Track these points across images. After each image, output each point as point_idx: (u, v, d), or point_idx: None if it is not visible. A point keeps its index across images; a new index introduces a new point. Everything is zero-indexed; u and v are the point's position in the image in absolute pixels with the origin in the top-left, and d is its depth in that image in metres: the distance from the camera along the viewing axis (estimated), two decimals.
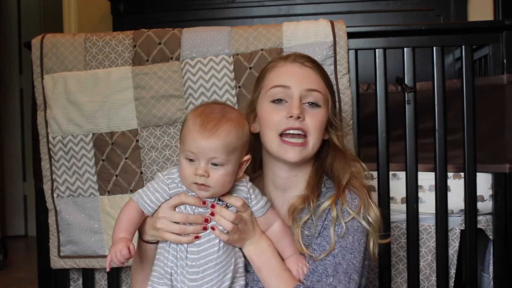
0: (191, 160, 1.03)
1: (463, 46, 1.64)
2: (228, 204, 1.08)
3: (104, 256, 1.69)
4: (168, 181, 1.08)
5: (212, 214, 1.07)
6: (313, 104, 1.15)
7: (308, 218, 1.15)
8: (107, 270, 1.06)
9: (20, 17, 4.19)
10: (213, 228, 1.06)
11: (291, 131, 1.13)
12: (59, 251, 1.71)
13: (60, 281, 1.77)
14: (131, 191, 1.67)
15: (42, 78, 1.70)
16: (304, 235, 1.15)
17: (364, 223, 1.13)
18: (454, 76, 2.35)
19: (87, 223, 1.69)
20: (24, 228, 4.16)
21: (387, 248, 1.66)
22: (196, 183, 1.02)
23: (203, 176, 1.01)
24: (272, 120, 1.15)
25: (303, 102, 1.15)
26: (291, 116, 1.12)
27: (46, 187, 1.72)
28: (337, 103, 1.56)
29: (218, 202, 1.08)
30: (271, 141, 1.16)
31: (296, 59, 1.18)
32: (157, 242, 1.12)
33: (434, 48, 1.64)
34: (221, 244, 1.07)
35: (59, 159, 1.70)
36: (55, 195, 1.71)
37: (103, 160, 1.68)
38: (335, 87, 1.56)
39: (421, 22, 2.54)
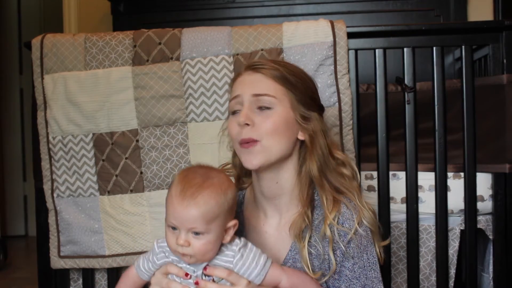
0: (173, 228, 1.01)
1: (463, 46, 1.64)
2: (215, 279, 1.04)
3: (104, 256, 1.69)
4: (158, 250, 1.10)
5: (197, 283, 1.04)
6: (263, 108, 1.11)
7: (310, 238, 1.13)
8: None
9: (20, 17, 4.18)
10: None
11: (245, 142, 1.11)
12: (59, 251, 1.71)
13: (60, 281, 1.77)
14: (131, 191, 1.67)
15: (42, 78, 1.70)
16: (311, 256, 1.13)
17: (364, 233, 1.12)
18: (454, 76, 2.35)
19: (87, 223, 1.69)
20: (24, 228, 4.16)
21: (387, 248, 1.66)
22: (179, 252, 1.01)
23: (183, 246, 0.99)
24: (232, 133, 1.14)
25: (255, 108, 1.12)
26: (240, 125, 1.11)
27: (46, 187, 1.72)
28: (337, 103, 1.57)
29: (204, 277, 1.04)
30: (238, 153, 1.15)
31: (249, 66, 1.16)
32: None
33: (434, 48, 1.64)
34: None
35: (59, 159, 1.70)
36: (55, 195, 1.71)
37: (103, 160, 1.69)
38: (335, 87, 1.56)
39: (421, 22, 2.54)
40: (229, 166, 1.31)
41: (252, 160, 1.10)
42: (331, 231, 1.11)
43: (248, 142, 1.10)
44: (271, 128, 1.10)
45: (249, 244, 1.06)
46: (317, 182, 1.16)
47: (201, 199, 0.98)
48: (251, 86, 1.12)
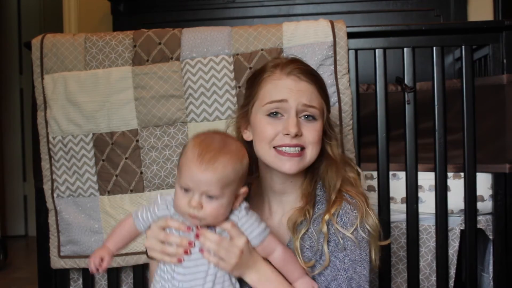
0: (186, 190, 1.02)
1: (463, 46, 1.64)
2: (217, 230, 1.06)
3: None
4: (161, 202, 1.10)
5: (197, 236, 1.05)
6: (310, 117, 1.14)
7: (306, 230, 1.15)
8: (90, 272, 1.10)
9: (20, 17, 4.18)
10: (202, 251, 1.05)
11: (287, 148, 1.13)
12: (59, 251, 1.71)
13: (60, 281, 1.77)
14: (131, 191, 1.67)
15: (42, 78, 1.70)
16: (304, 248, 1.15)
17: (363, 234, 1.13)
18: (454, 76, 2.35)
19: (87, 223, 1.69)
20: (24, 228, 4.15)
21: (387, 248, 1.67)
22: (189, 214, 1.02)
23: (196, 208, 1.01)
24: (268, 135, 1.13)
25: (299, 116, 1.13)
26: (287, 134, 1.11)
27: (46, 187, 1.72)
28: (337, 103, 1.56)
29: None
30: (265, 153, 1.15)
31: (292, 72, 1.14)
32: None
33: (434, 48, 1.64)
34: (210, 271, 1.05)
35: (59, 159, 1.70)
36: (55, 195, 1.71)
37: (103, 160, 1.68)
38: (335, 87, 1.56)
39: (421, 22, 2.54)
40: None
41: (291, 166, 1.12)
42: (328, 226, 1.12)
43: (293, 148, 1.12)
44: (315, 139, 1.14)
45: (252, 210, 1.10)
46: (325, 184, 1.19)
47: (219, 164, 1.00)
48: (300, 95, 1.12)
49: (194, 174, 1.00)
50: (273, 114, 1.13)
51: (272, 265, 1.10)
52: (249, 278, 1.09)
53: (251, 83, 1.21)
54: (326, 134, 1.19)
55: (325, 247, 1.12)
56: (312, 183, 1.19)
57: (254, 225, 1.07)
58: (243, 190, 1.06)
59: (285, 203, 1.21)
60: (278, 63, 1.17)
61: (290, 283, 1.10)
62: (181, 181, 1.02)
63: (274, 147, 1.13)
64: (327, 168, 1.19)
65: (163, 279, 1.07)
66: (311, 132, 1.13)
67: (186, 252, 1.05)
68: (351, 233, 1.11)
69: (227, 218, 1.06)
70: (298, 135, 1.11)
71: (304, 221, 1.15)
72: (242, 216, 1.07)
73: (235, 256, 1.05)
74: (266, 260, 1.10)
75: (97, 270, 1.08)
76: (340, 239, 1.11)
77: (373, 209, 1.17)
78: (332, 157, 1.19)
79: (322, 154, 1.20)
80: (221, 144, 1.03)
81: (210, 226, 1.06)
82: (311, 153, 1.14)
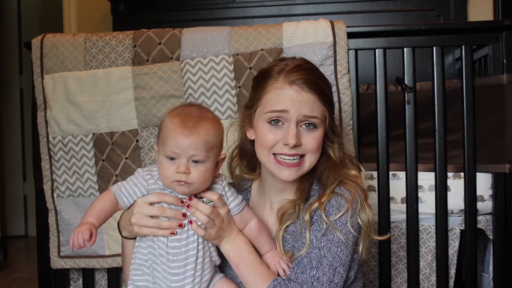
0: (172, 158, 1.05)
1: (463, 46, 1.64)
2: (204, 200, 1.11)
3: (104, 256, 1.69)
4: (147, 177, 1.11)
5: (188, 206, 1.09)
6: (311, 125, 1.15)
7: (292, 223, 1.17)
8: (71, 249, 1.06)
9: (20, 17, 4.18)
10: (190, 222, 1.09)
11: (286, 157, 1.15)
12: (59, 251, 1.71)
13: (60, 281, 1.77)
14: None
15: (42, 78, 1.70)
16: (286, 238, 1.18)
17: (349, 223, 1.13)
18: (454, 76, 2.35)
19: None
20: (24, 228, 4.15)
21: (387, 248, 1.67)
22: (178, 181, 1.05)
23: (184, 173, 1.04)
24: (268, 142, 1.15)
25: (300, 125, 1.15)
26: (286, 144, 1.13)
27: (46, 187, 1.72)
28: (337, 103, 1.56)
29: (195, 197, 1.11)
30: (265, 158, 1.17)
31: (295, 82, 1.14)
32: (135, 238, 1.15)
33: (434, 48, 1.64)
34: (200, 240, 1.10)
35: (59, 159, 1.70)
36: (55, 195, 1.71)
37: (103, 160, 1.69)
38: (335, 87, 1.56)
39: (421, 22, 2.54)
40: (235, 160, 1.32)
41: (289, 175, 1.16)
42: (313, 214, 1.15)
43: (291, 158, 1.14)
44: (314, 147, 1.16)
45: None
46: (322, 182, 1.20)
47: (202, 128, 1.05)
48: (301, 106, 1.13)
49: (180, 140, 1.04)
50: (274, 122, 1.15)
51: (245, 236, 1.16)
52: (224, 247, 1.14)
53: (256, 84, 1.22)
54: (328, 137, 1.20)
55: (307, 235, 1.13)
56: (308, 182, 1.21)
57: (234, 196, 1.15)
58: (223, 155, 1.12)
59: (285, 198, 1.22)
60: (283, 69, 1.16)
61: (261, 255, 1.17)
62: (166, 150, 1.05)
63: (273, 154, 1.15)
64: (326, 169, 1.20)
65: (153, 255, 1.09)
66: (311, 141, 1.15)
67: (181, 226, 1.08)
68: (335, 219, 1.13)
69: (210, 188, 1.12)
70: (297, 145, 1.13)
71: (293, 214, 1.17)
72: (227, 190, 1.14)
73: (219, 226, 1.11)
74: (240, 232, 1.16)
75: (83, 244, 1.03)
76: (324, 223, 1.13)
77: (371, 206, 1.18)
78: (333, 159, 1.20)
79: (323, 155, 1.21)
80: (199, 112, 1.09)
81: (198, 196, 1.10)
82: (310, 160, 1.16)
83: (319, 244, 1.12)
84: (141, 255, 1.11)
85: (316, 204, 1.14)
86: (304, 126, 1.15)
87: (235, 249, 1.14)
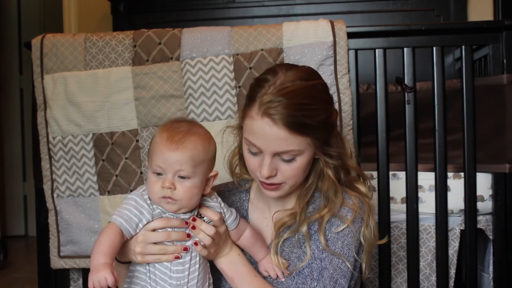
0: (158, 174, 1.03)
1: (463, 46, 1.64)
2: (205, 219, 1.09)
3: None
4: (148, 202, 1.05)
5: (193, 227, 1.06)
6: (288, 159, 1.08)
7: (290, 236, 1.16)
8: None
9: (20, 17, 4.18)
10: (196, 244, 1.06)
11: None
12: (59, 251, 1.71)
13: (60, 281, 1.77)
14: (131, 191, 1.66)
15: (42, 78, 1.70)
16: (283, 249, 1.17)
17: (351, 235, 1.12)
18: (454, 76, 2.35)
19: (87, 223, 1.69)
20: (24, 228, 4.16)
21: (387, 248, 1.67)
22: (164, 197, 1.02)
23: (169, 188, 1.01)
24: (251, 166, 1.12)
25: (279, 158, 1.08)
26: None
27: (46, 187, 1.72)
28: (337, 103, 1.56)
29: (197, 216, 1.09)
30: (253, 175, 1.16)
31: (268, 112, 1.03)
32: (129, 262, 1.10)
33: (434, 48, 1.64)
34: (201, 260, 1.08)
35: (59, 159, 1.70)
36: (55, 195, 1.71)
37: (103, 160, 1.69)
38: (335, 87, 1.56)
39: (421, 22, 2.54)
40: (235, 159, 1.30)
41: (274, 195, 1.14)
42: (316, 225, 1.14)
43: (272, 185, 1.11)
44: (292, 175, 1.10)
45: None
46: (324, 198, 1.16)
47: (189, 143, 1.02)
48: (272, 142, 1.05)
49: (165, 155, 1.01)
50: (253, 153, 1.10)
51: (238, 247, 1.16)
52: (218, 261, 1.14)
53: (246, 97, 1.14)
54: (325, 153, 1.12)
55: (308, 246, 1.12)
56: (308, 194, 1.17)
57: (230, 211, 1.13)
58: (214, 173, 1.09)
59: (284, 205, 1.21)
60: (265, 92, 1.05)
61: (253, 263, 1.16)
62: (153, 164, 1.03)
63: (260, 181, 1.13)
64: (326, 187, 1.15)
65: (154, 281, 1.05)
66: (289, 171, 1.09)
67: (185, 249, 1.06)
68: (338, 231, 1.11)
69: (201, 206, 1.09)
70: (272, 176, 1.09)
71: (293, 225, 1.15)
72: (221, 202, 1.12)
73: (218, 244, 1.10)
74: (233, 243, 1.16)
75: None
76: (327, 234, 1.12)
77: (375, 223, 1.16)
78: (332, 180, 1.13)
79: (321, 175, 1.15)
80: (188, 127, 1.06)
81: (200, 216, 1.08)
82: (290, 185, 1.12)
83: (320, 255, 1.11)
84: (139, 280, 1.07)
85: (317, 216, 1.13)
86: (281, 160, 1.08)
87: (228, 262, 1.13)
